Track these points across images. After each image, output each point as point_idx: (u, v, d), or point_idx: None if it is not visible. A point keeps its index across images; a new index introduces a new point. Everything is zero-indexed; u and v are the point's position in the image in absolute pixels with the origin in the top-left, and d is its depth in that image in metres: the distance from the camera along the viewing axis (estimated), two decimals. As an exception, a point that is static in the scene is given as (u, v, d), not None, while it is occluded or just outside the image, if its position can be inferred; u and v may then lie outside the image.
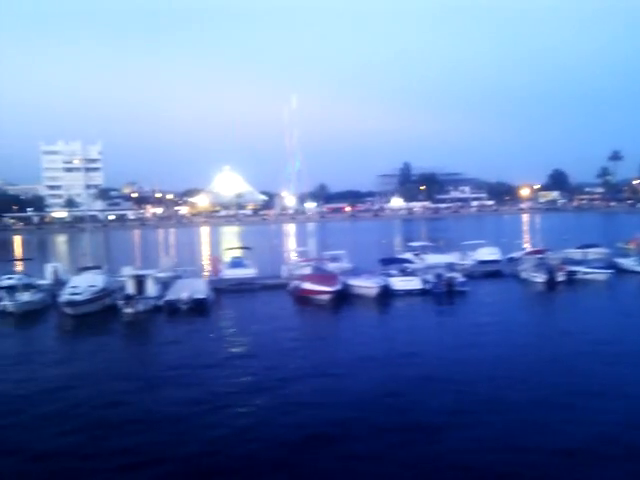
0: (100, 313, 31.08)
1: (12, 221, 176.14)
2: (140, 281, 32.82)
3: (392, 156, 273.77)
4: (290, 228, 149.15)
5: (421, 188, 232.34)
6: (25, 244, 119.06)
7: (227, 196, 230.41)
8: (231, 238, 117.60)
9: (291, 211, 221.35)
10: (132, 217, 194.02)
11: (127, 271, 34.73)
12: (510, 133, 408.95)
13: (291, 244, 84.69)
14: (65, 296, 30.38)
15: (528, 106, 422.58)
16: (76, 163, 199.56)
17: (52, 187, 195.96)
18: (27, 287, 33.69)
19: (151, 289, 32.85)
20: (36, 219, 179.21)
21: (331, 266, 42.02)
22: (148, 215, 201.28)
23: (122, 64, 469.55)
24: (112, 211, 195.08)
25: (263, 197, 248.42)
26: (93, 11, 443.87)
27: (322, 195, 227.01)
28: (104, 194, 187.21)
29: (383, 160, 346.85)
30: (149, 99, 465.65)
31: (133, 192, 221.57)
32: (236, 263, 43.26)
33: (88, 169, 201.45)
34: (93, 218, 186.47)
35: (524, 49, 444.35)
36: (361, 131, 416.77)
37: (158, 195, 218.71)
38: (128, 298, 30.92)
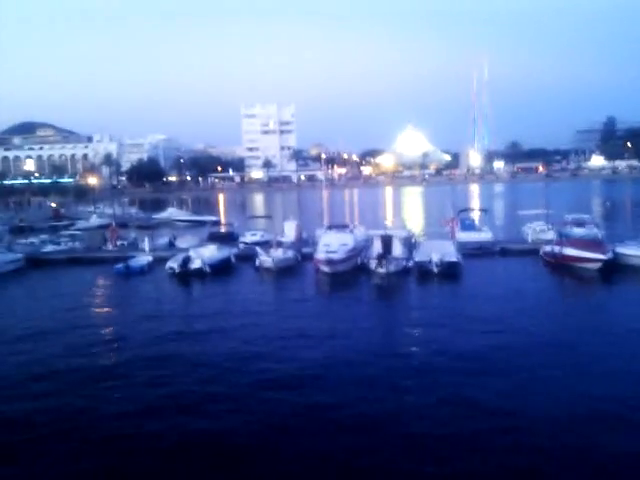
0: (353, 272, 31.29)
1: (216, 180, 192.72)
2: (387, 241, 32.32)
3: (593, 110, 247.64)
4: (474, 189, 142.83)
5: (628, 145, 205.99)
6: (231, 203, 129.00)
7: (410, 156, 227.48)
8: (421, 199, 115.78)
9: (478, 170, 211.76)
10: (321, 177, 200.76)
11: (371, 231, 34.59)
12: None
13: (510, 206, 79.56)
14: (322, 254, 30.94)
15: None
16: (271, 126, 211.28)
17: (250, 149, 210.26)
18: (278, 244, 35.14)
19: (397, 249, 32.20)
20: (237, 179, 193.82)
21: (576, 231, 37.99)
22: (335, 176, 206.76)
23: (310, 32, 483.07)
24: (302, 172, 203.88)
25: (447, 156, 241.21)
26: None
27: (513, 153, 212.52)
28: (297, 155, 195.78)
29: (582, 114, 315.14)
30: (334, 62, 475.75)
31: (320, 153, 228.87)
32: (469, 226, 41.14)
33: (282, 131, 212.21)
34: (286, 178, 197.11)
35: None
36: (558, 84, 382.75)
37: (343, 156, 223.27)
38: (380, 258, 30.61)
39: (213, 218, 66.42)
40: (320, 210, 46.31)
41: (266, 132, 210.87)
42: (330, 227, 37.82)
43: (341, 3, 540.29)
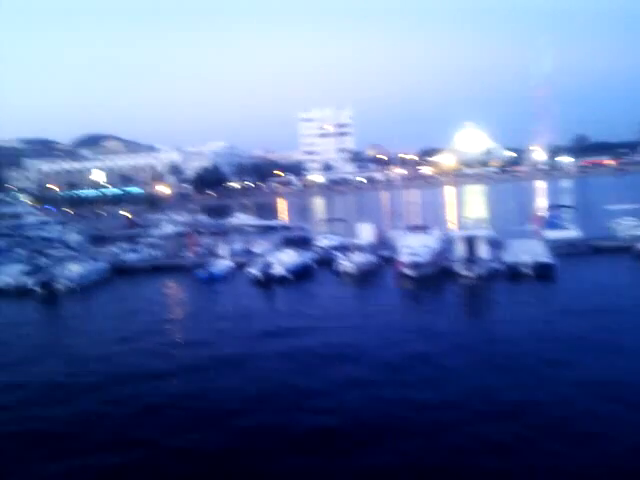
0: (437, 275, 30.36)
1: (276, 185, 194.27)
2: (471, 242, 31.21)
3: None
4: (541, 185, 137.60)
5: None
6: (293, 207, 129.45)
7: (471, 153, 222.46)
8: (487, 197, 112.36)
9: (543, 166, 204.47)
10: (380, 179, 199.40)
11: (453, 232, 33.56)
12: None
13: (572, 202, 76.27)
14: (406, 257, 30.19)
15: None
16: (329, 129, 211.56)
17: (308, 152, 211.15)
18: (358, 248, 34.57)
19: (482, 251, 31.00)
20: (297, 183, 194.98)
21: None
22: (393, 176, 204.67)
23: (364, 32, 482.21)
24: (361, 173, 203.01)
25: (509, 153, 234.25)
26: None
27: (578, 148, 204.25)
28: (355, 157, 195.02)
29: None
30: (389, 61, 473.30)
31: (377, 154, 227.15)
32: (554, 224, 39.35)
33: (339, 134, 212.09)
34: (345, 181, 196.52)
35: None
36: (616, 76, 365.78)
37: (401, 156, 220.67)
38: (468, 261, 29.59)
39: (282, 223, 66.73)
40: (394, 211, 45.46)
41: (323, 135, 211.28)
42: (409, 228, 36.94)
43: (394, 1, 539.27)
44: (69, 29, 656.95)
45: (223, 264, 36.41)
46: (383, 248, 37.65)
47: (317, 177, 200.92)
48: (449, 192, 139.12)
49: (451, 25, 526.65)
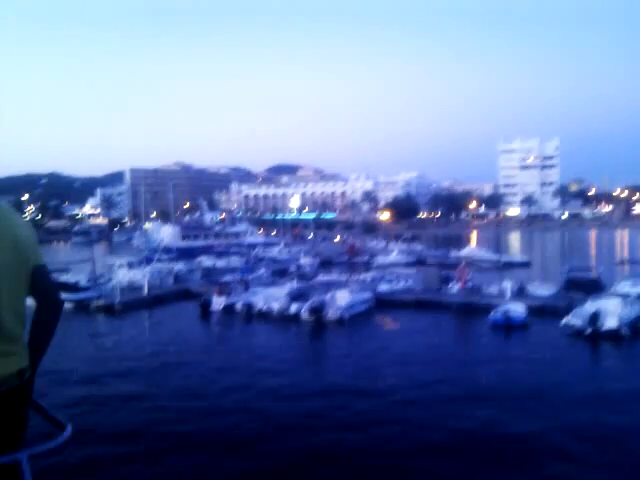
0: None
1: (469, 217, 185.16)
2: None
3: None
4: None
5: None
6: (491, 240, 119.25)
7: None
8: None
9: None
10: (586, 216, 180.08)
11: None
12: None
13: None
14: None
15: None
16: (531, 161, 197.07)
17: (507, 185, 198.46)
18: None
19: None
20: (492, 216, 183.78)
21: None
22: (603, 214, 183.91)
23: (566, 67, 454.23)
24: (564, 209, 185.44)
25: None
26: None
27: None
28: (562, 192, 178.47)
29: None
30: (598, 94, 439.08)
31: (580, 189, 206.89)
32: None
33: (543, 166, 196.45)
34: (546, 216, 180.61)
35: None
36: None
37: (613, 193, 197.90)
38: None
39: (522, 259, 59.02)
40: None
41: (525, 167, 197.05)
42: None
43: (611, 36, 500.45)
44: (257, 63, 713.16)
45: (519, 307, 29.99)
46: None
47: (514, 211, 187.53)
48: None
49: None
